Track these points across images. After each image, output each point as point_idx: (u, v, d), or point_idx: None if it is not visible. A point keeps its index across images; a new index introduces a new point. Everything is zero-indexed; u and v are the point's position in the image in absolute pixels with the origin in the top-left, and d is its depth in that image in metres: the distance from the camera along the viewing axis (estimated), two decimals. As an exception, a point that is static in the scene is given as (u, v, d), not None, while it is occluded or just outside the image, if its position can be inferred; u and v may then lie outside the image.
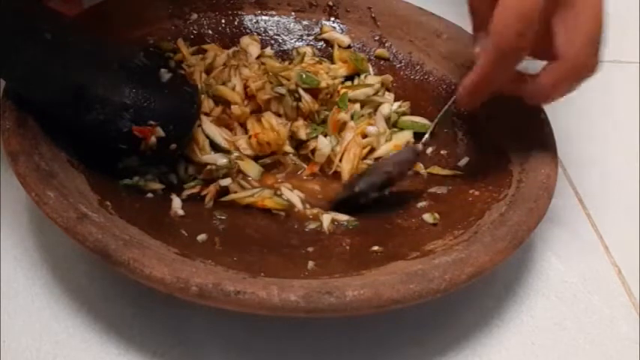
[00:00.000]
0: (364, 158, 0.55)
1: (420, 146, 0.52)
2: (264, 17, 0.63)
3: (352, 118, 0.57)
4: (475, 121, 0.56)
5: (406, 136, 0.56)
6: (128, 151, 0.49)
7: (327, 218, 0.50)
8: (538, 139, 0.51)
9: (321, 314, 0.39)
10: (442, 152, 0.56)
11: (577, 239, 0.54)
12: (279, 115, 0.55)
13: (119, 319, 0.44)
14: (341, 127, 0.56)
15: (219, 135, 0.52)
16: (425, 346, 0.45)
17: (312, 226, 0.50)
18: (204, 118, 0.53)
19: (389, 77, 0.60)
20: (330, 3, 0.63)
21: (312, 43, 0.63)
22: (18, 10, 0.44)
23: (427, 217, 0.50)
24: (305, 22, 0.63)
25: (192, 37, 0.60)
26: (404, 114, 0.58)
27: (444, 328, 0.47)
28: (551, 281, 0.51)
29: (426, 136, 0.52)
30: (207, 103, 0.54)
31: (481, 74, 0.46)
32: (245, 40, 0.61)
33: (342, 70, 0.60)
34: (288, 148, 0.54)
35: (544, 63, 0.46)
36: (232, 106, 0.54)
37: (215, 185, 0.51)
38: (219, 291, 0.38)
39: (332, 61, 0.61)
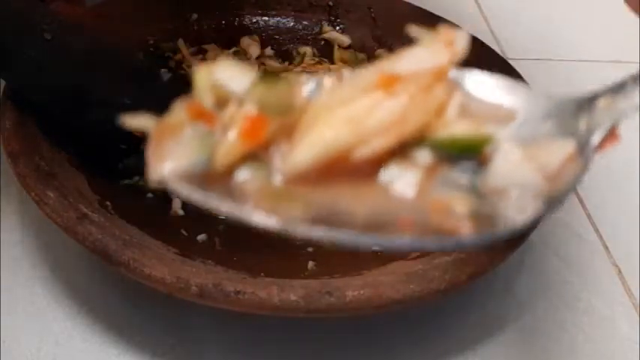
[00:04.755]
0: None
1: None
2: (264, 17, 0.63)
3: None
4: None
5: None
6: (128, 151, 0.49)
7: (327, 218, 0.50)
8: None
9: (321, 314, 0.39)
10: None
11: (577, 239, 0.54)
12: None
13: (119, 319, 0.44)
14: None
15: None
16: (425, 346, 0.45)
17: (312, 226, 0.50)
18: (204, 118, 0.53)
19: (389, 77, 0.60)
20: (330, 3, 0.63)
21: (312, 43, 0.63)
22: (18, 10, 0.44)
23: (427, 216, 0.50)
24: (305, 22, 0.63)
25: (192, 37, 0.60)
26: (404, 114, 0.58)
27: (444, 328, 0.47)
28: (551, 281, 0.51)
29: None
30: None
31: None
32: (245, 41, 0.61)
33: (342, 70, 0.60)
34: None
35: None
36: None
37: (215, 185, 0.50)
38: (219, 291, 0.38)
39: (332, 61, 0.61)
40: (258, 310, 0.39)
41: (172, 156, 0.23)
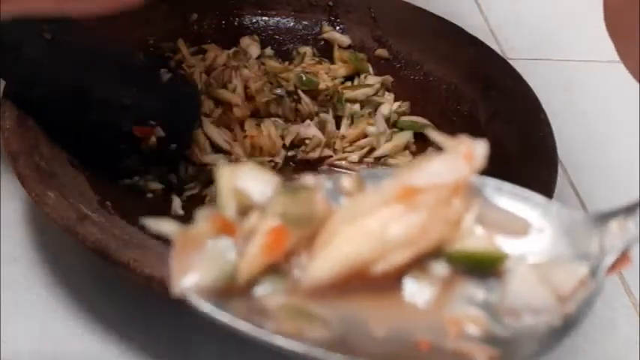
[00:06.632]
0: (364, 157, 0.55)
1: None
2: (264, 17, 0.63)
3: (352, 118, 0.57)
4: (475, 121, 0.56)
5: (406, 136, 0.56)
6: (128, 151, 0.49)
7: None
8: (538, 139, 0.51)
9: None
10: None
11: (577, 239, 0.54)
12: (278, 116, 0.55)
13: (119, 319, 0.44)
14: None
15: (220, 136, 0.52)
16: (425, 346, 0.45)
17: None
18: (204, 119, 0.53)
19: (389, 77, 0.60)
20: (330, 3, 0.63)
21: (312, 43, 0.63)
22: (18, 10, 0.44)
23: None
24: (305, 22, 0.63)
25: (192, 37, 0.60)
26: (404, 114, 0.58)
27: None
28: (552, 281, 0.51)
29: None
30: (207, 104, 0.54)
31: None
32: (245, 41, 0.61)
33: (342, 70, 0.60)
34: (281, 156, 0.54)
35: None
36: (234, 108, 0.54)
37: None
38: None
39: (332, 61, 0.61)
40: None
41: (195, 270, 0.22)
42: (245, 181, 0.23)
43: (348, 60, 0.60)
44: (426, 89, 0.60)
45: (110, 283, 0.46)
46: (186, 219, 0.48)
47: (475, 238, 0.23)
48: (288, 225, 0.22)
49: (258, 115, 0.55)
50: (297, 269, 0.23)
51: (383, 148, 0.55)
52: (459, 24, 0.60)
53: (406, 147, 0.56)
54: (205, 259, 0.22)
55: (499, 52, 0.65)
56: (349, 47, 0.62)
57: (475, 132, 0.55)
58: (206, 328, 0.44)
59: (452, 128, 0.57)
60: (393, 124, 0.57)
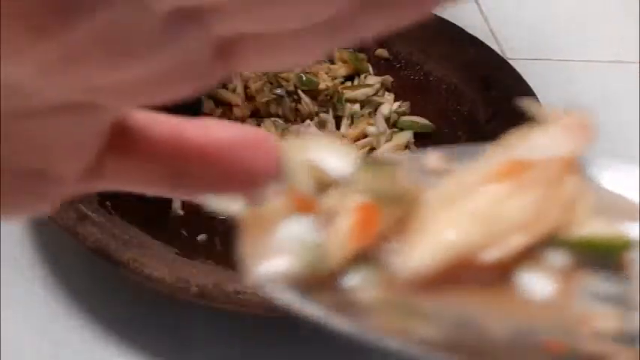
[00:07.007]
0: (364, 158, 0.55)
1: None
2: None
3: (352, 118, 0.57)
4: (475, 121, 0.56)
5: (406, 136, 0.56)
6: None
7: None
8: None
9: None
10: (442, 152, 0.56)
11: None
12: (278, 116, 0.55)
13: (119, 319, 0.44)
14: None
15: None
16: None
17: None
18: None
19: (389, 77, 0.60)
20: (330, 3, 0.63)
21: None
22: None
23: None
24: (305, 22, 0.63)
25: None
26: (404, 114, 0.58)
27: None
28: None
29: None
30: (207, 104, 0.54)
31: None
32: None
33: (342, 70, 0.60)
34: None
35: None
36: (234, 108, 0.54)
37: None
38: (219, 291, 0.38)
39: (332, 61, 0.61)
40: (258, 310, 0.39)
41: (273, 255, 0.19)
42: (319, 154, 0.20)
43: (348, 60, 0.60)
44: (426, 89, 0.60)
45: (110, 283, 0.46)
46: (186, 220, 0.49)
47: (596, 223, 0.20)
48: (378, 202, 0.19)
49: (258, 115, 0.55)
50: (388, 257, 0.19)
51: (383, 148, 0.56)
52: (459, 24, 0.60)
53: (406, 147, 0.56)
54: (283, 242, 0.19)
55: (499, 52, 0.65)
56: (349, 47, 0.62)
57: (475, 132, 0.56)
58: (206, 328, 0.45)
59: (452, 128, 0.57)
60: (393, 124, 0.57)
